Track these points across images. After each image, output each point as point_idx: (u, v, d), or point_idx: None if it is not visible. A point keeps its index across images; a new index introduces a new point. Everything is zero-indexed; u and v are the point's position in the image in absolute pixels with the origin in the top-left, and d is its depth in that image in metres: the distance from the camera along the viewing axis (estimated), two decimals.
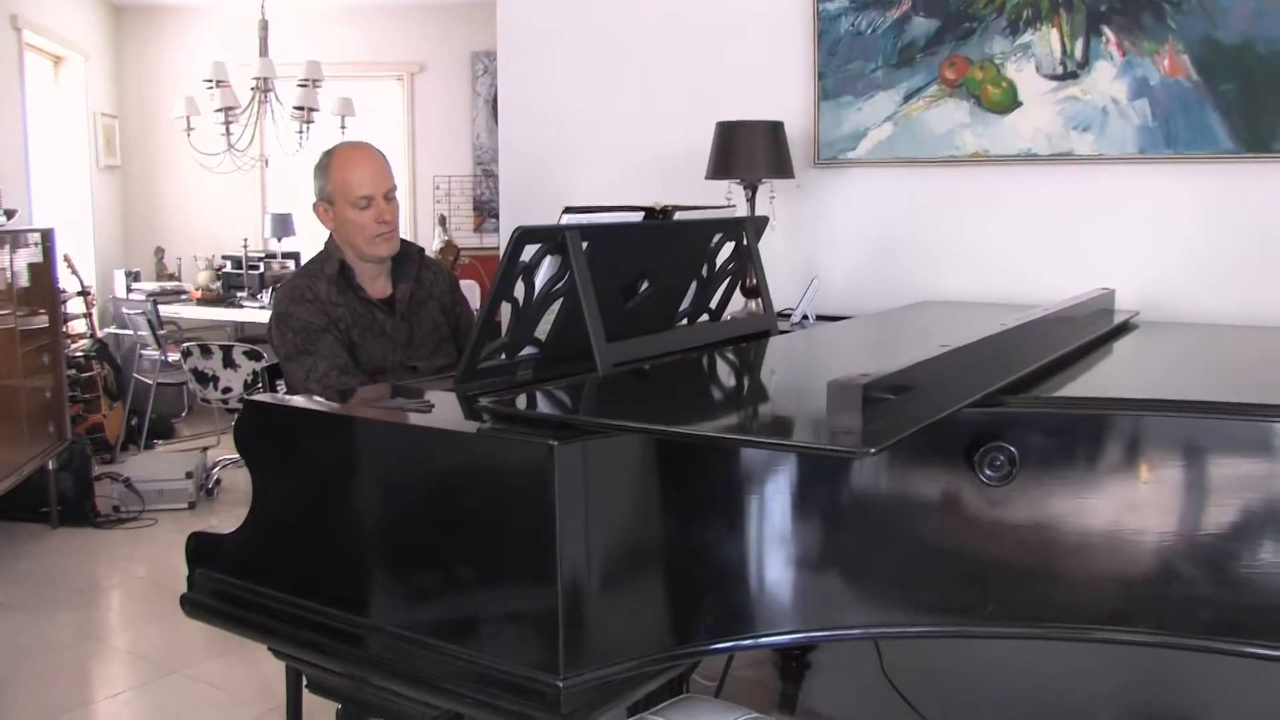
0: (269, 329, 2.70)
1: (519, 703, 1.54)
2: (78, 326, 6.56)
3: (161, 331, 6.70)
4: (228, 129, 6.58)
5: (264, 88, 6.66)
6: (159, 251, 8.01)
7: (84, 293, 6.60)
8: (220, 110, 6.54)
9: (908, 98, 3.04)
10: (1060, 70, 2.83)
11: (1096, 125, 2.79)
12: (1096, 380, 2.05)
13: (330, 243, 2.73)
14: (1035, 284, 2.88)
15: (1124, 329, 2.53)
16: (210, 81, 6.46)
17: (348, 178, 2.64)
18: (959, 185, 3.02)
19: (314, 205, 2.71)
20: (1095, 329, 2.36)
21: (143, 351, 6.98)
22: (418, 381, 2.23)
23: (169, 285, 7.58)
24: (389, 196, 2.67)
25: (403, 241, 2.75)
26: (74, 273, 6.41)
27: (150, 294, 7.09)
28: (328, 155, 2.71)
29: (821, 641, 2.50)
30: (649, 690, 1.75)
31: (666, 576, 1.66)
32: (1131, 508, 1.69)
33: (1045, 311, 2.20)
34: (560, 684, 1.51)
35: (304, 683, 2.14)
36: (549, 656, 1.52)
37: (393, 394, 2.02)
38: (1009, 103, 2.91)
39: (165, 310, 6.96)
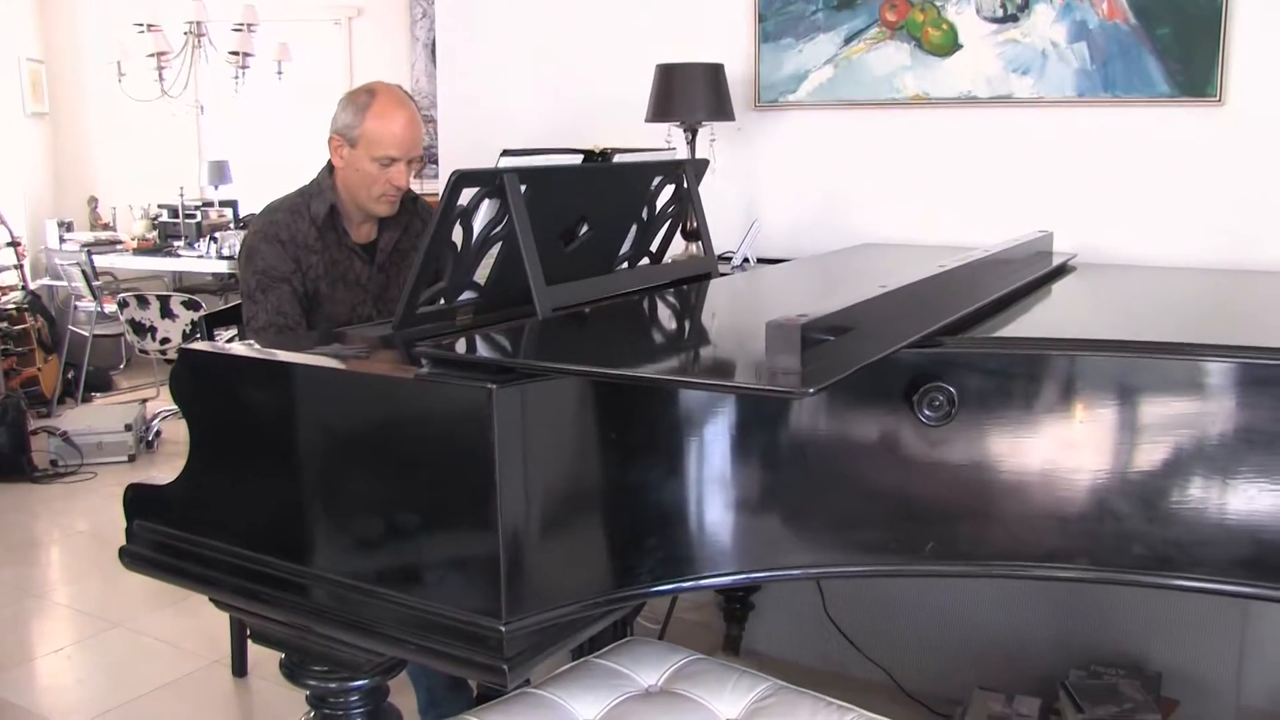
0: (238, 256, 2.61)
1: (462, 648, 1.54)
2: (8, 279, 6.42)
3: (97, 283, 6.56)
4: (160, 74, 6.43)
5: (197, 32, 6.51)
6: (92, 201, 7.82)
7: (14, 244, 6.46)
8: (152, 55, 6.38)
9: (848, 40, 3.03)
10: (1000, 13, 2.83)
11: (1036, 68, 2.80)
12: (1034, 321, 2.07)
13: (327, 176, 2.59)
14: (974, 226, 2.90)
15: (1062, 271, 2.55)
16: (141, 25, 6.31)
17: (383, 131, 2.50)
18: (899, 128, 3.03)
19: (330, 137, 2.55)
20: (1033, 271, 2.38)
21: (78, 303, 6.83)
22: (355, 328, 2.20)
23: (103, 235, 7.41)
24: (411, 163, 2.56)
25: None
26: (3, 224, 6.27)
27: (84, 244, 6.94)
28: (369, 95, 2.54)
29: (763, 582, 2.52)
30: (592, 633, 1.76)
31: (607, 519, 1.66)
32: (1068, 447, 1.71)
33: (984, 253, 2.21)
34: (503, 628, 1.51)
35: (248, 633, 2.13)
36: (491, 601, 1.52)
37: (330, 340, 2.00)
38: (949, 45, 2.90)
39: (100, 261, 6.80)
